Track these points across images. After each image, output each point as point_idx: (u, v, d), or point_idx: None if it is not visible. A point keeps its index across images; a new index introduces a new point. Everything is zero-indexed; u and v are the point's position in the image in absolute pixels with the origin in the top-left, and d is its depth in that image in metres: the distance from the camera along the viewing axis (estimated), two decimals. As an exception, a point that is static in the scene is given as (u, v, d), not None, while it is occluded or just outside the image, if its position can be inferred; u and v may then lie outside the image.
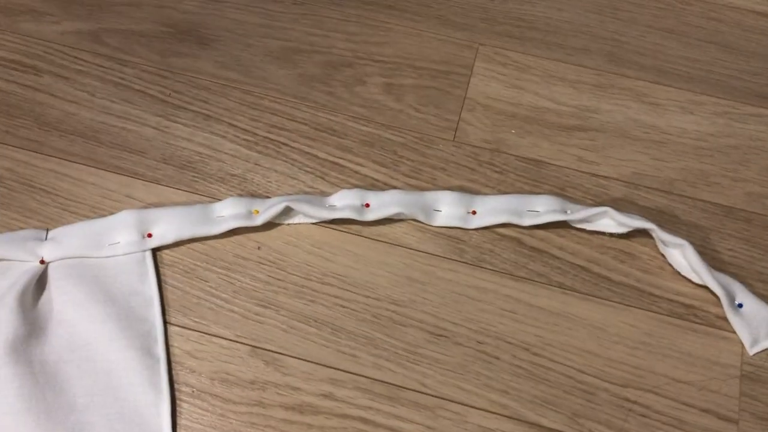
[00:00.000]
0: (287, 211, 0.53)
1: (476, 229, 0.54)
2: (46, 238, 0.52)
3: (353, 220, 0.53)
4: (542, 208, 0.54)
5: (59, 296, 0.50)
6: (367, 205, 0.54)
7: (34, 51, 0.61)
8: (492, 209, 0.54)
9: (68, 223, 0.53)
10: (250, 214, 0.53)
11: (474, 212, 0.54)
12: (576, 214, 0.53)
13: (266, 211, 0.53)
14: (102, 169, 0.56)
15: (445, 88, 0.60)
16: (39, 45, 0.61)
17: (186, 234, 0.52)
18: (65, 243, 0.51)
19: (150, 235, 0.52)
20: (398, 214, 0.53)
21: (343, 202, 0.54)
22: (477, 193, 0.55)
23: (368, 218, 0.53)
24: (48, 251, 0.51)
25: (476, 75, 0.61)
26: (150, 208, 0.53)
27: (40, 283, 0.51)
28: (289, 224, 0.54)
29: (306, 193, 0.55)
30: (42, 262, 0.51)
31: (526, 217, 0.53)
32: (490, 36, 0.63)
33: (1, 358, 0.47)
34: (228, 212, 0.53)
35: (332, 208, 0.53)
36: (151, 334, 0.49)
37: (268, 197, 0.55)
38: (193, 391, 0.48)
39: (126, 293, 0.51)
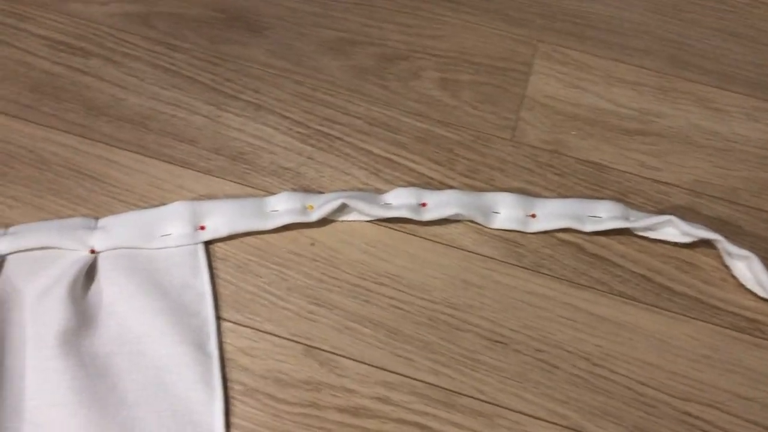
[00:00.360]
0: (342, 208, 0.52)
1: (535, 233, 0.53)
2: (95, 227, 0.51)
3: (408, 219, 0.52)
4: (604, 214, 0.52)
5: (109, 287, 0.49)
6: (424, 205, 0.52)
7: (82, 33, 0.59)
8: (552, 213, 0.53)
9: (118, 212, 0.52)
10: (304, 210, 0.52)
11: (534, 215, 0.53)
12: (639, 221, 0.51)
13: (321, 207, 0.51)
14: (151, 158, 0.54)
15: (502, 86, 0.59)
16: (87, 27, 0.60)
17: (240, 228, 0.51)
18: (116, 233, 0.50)
19: (203, 228, 0.51)
20: (456, 215, 0.52)
21: (399, 200, 0.52)
22: (536, 195, 0.54)
23: (425, 218, 0.52)
24: (98, 241, 0.50)
25: (535, 73, 0.59)
26: (203, 200, 0.51)
27: (89, 273, 0.50)
28: (342, 221, 0.53)
29: (359, 189, 0.54)
30: (92, 251, 0.50)
31: (588, 222, 0.52)
32: (548, 33, 0.61)
33: (51, 350, 0.46)
34: (282, 207, 0.52)
35: (388, 206, 0.52)
36: (203, 329, 0.48)
37: (321, 192, 0.53)
38: (245, 389, 0.47)
39: (178, 286, 0.49)
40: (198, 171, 0.54)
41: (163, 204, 0.52)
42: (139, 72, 0.58)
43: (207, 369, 0.47)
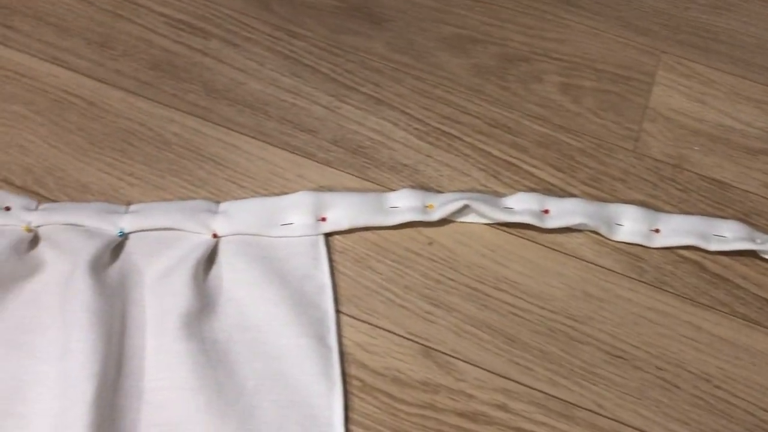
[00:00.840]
0: (461, 209, 0.51)
1: (658, 249, 0.52)
2: (217, 211, 0.50)
3: (527, 224, 0.51)
4: (729, 234, 0.51)
5: (229, 273, 0.49)
6: (546, 212, 0.52)
7: (202, 13, 0.59)
8: (677, 229, 0.52)
9: (237, 196, 0.52)
10: (424, 208, 0.51)
11: (657, 230, 0.52)
12: (767, 244, 0.50)
13: (443, 207, 0.51)
14: (272, 145, 0.54)
15: (625, 95, 0.58)
16: (207, 7, 0.59)
17: (361, 222, 0.51)
18: (238, 218, 0.50)
19: (324, 219, 0.51)
20: (581, 224, 0.51)
21: (522, 205, 0.52)
22: (658, 209, 0.53)
23: (548, 225, 0.51)
24: (220, 225, 0.50)
25: (658, 84, 0.58)
26: (325, 192, 0.51)
27: (209, 257, 0.50)
28: (460, 222, 0.52)
29: (478, 191, 0.53)
30: (214, 235, 0.49)
31: (713, 241, 0.51)
32: (672, 44, 0.60)
33: (174, 332, 0.46)
34: (402, 204, 0.51)
35: (510, 210, 0.51)
36: (323, 322, 0.48)
37: (439, 191, 0.53)
38: (363, 386, 0.47)
39: (299, 277, 0.49)
40: (318, 162, 0.54)
41: (284, 193, 0.52)
42: (258, 57, 0.57)
43: (327, 362, 0.47)
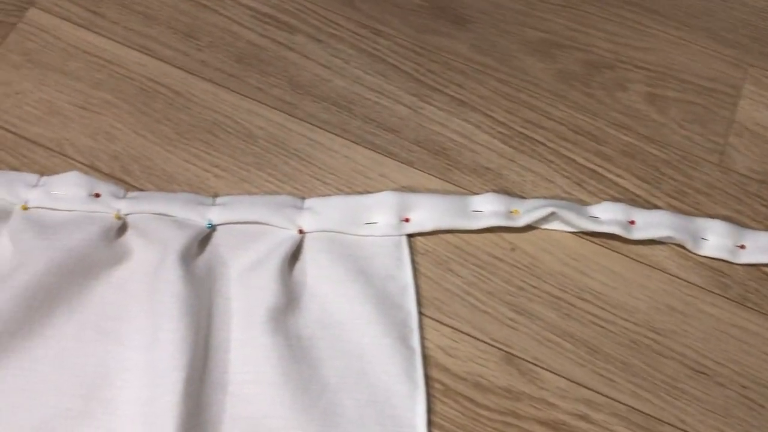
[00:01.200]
0: (547, 216, 0.51)
1: (742, 265, 0.51)
2: (302, 207, 0.51)
3: (610, 234, 0.51)
4: (817, 254, 0.51)
5: (313, 269, 0.49)
6: (632, 222, 0.51)
7: (287, 7, 0.59)
8: (762, 246, 0.51)
9: (322, 194, 0.52)
10: (509, 214, 0.51)
11: (743, 246, 0.51)
12: None
13: (529, 213, 0.50)
14: (355, 143, 0.54)
15: (711, 107, 0.57)
16: (292, 1, 0.59)
17: (444, 224, 0.51)
18: (324, 215, 0.50)
19: (407, 220, 0.51)
20: (667, 237, 0.51)
21: (608, 215, 0.51)
22: (743, 225, 0.52)
23: (635, 237, 0.51)
24: (306, 221, 0.50)
25: (745, 98, 0.58)
26: (410, 193, 0.51)
27: (294, 253, 0.50)
28: (543, 229, 0.52)
29: (561, 198, 0.53)
30: (300, 231, 0.50)
31: (800, 261, 0.51)
32: (759, 57, 0.59)
33: (260, 326, 0.46)
34: (486, 208, 0.51)
35: (596, 220, 0.51)
36: (406, 323, 0.48)
37: (522, 197, 0.53)
38: (445, 389, 0.47)
39: (382, 277, 0.49)
40: (400, 162, 0.54)
41: (367, 191, 0.52)
42: (343, 54, 0.57)
43: (410, 363, 0.47)
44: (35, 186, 0.49)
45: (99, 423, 0.44)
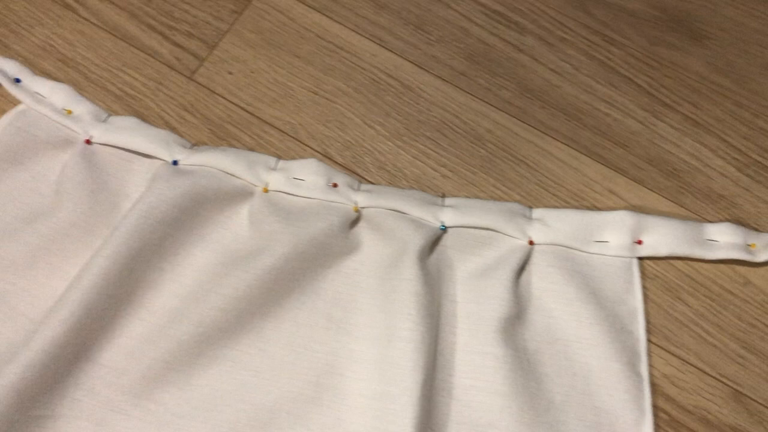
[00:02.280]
0: (786, 253, 0.49)
1: None
2: (531, 217, 0.50)
3: None
4: None
5: (540, 282, 0.49)
6: None
7: (517, 6, 0.58)
8: None
9: (548, 204, 0.51)
10: (746, 247, 0.49)
11: None
12: None
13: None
14: (584, 155, 0.53)
15: None
16: (523, 0, 0.58)
17: (679, 251, 0.49)
18: (554, 228, 0.49)
19: (640, 242, 0.50)
20: None
21: None
22: None
23: None
24: (537, 233, 0.49)
25: None
26: (645, 214, 0.50)
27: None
28: (777, 265, 0.50)
29: (799, 235, 0.51)
30: (530, 242, 0.49)
31: None
32: None
33: (491, 334, 0.46)
34: (722, 239, 0.50)
35: (839, 264, 0.49)
36: (635, 349, 0.47)
37: (757, 230, 0.51)
38: (670, 420, 0.46)
39: (612, 299, 0.48)
40: (630, 179, 0.52)
41: (594, 206, 0.51)
42: (574, 60, 0.56)
43: (638, 391, 0.46)
44: (274, 169, 0.50)
45: (328, 410, 0.45)
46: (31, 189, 0.49)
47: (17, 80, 0.51)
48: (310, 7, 0.57)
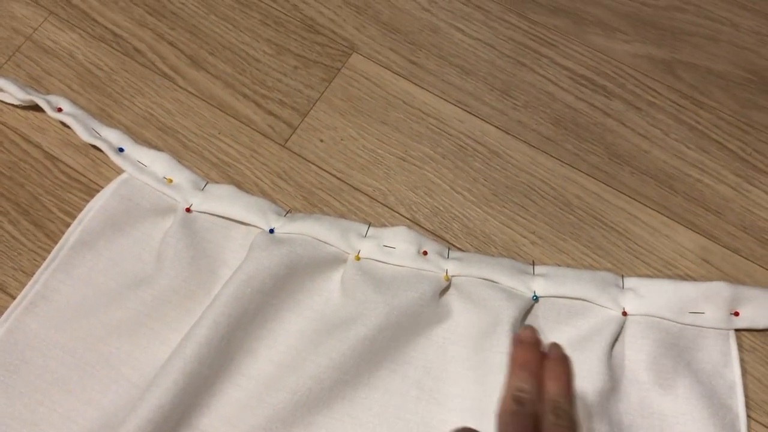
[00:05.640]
0: None
1: None
2: (623, 287, 0.50)
3: None
4: None
5: (634, 353, 0.48)
6: None
7: (603, 69, 0.58)
8: None
9: (639, 272, 0.51)
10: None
11: None
12: None
13: None
14: (676, 222, 0.52)
15: None
16: (609, 63, 0.58)
17: (778, 324, 0.48)
18: (648, 299, 0.49)
19: (737, 314, 0.49)
20: None
21: None
22: None
23: None
24: (630, 303, 0.49)
25: None
26: (743, 285, 0.49)
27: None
28: None
29: None
30: (624, 313, 0.49)
31: None
32: None
33: (587, 408, 0.46)
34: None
35: None
36: (734, 425, 0.46)
37: None
38: (772, 502, 0.45)
39: (708, 372, 0.48)
40: (723, 246, 0.52)
41: (687, 276, 0.50)
42: (663, 124, 0.56)
43: (739, 469, 0.45)
44: (365, 236, 0.51)
45: (422, 480, 0.45)
46: (134, 256, 0.51)
47: (120, 149, 0.54)
48: (396, 74, 0.58)
